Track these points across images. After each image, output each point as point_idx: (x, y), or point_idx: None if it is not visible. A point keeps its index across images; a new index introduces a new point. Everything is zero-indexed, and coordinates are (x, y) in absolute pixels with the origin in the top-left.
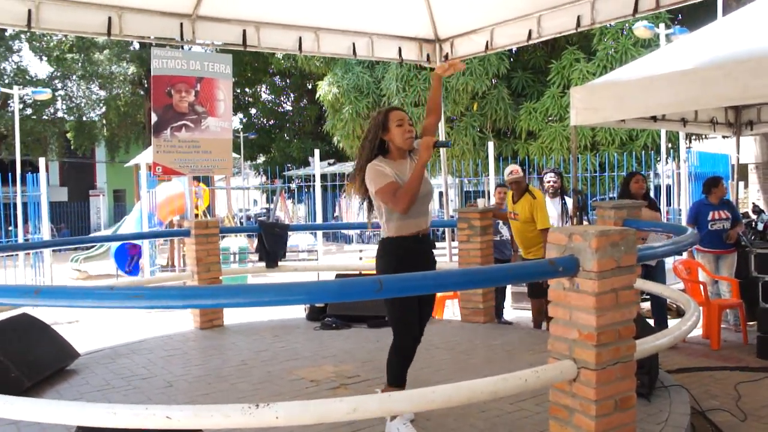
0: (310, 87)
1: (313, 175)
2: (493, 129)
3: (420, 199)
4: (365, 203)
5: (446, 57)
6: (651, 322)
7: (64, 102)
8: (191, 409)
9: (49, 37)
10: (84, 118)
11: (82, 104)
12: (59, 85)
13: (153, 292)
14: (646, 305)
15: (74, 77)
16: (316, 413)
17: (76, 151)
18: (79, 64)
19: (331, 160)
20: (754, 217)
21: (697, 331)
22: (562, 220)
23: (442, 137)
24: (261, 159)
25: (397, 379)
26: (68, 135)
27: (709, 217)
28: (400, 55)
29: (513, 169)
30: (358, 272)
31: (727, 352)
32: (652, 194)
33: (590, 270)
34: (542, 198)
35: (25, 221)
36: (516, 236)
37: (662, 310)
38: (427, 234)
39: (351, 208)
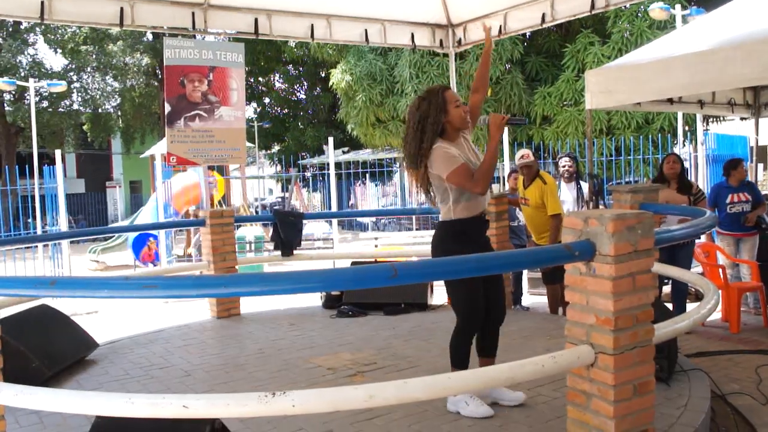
0: (323, 75)
1: (328, 164)
2: (508, 114)
3: None
4: (421, 189)
5: (459, 42)
6: (670, 306)
7: (79, 94)
8: (208, 398)
9: (63, 30)
10: (99, 110)
11: (98, 96)
12: (74, 78)
13: (167, 281)
14: (666, 289)
15: (89, 69)
16: (332, 401)
17: (93, 143)
18: (94, 56)
19: (346, 148)
20: None
21: (717, 315)
22: (577, 205)
23: None
24: (275, 148)
25: (461, 363)
26: (84, 127)
27: (728, 200)
28: (412, 41)
29: (524, 153)
30: (373, 260)
31: (747, 336)
32: None
33: (607, 254)
34: (553, 183)
35: (43, 213)
36: (527, 222)
37: (682, 294)
38: (486, 213)
39: (366, 196)
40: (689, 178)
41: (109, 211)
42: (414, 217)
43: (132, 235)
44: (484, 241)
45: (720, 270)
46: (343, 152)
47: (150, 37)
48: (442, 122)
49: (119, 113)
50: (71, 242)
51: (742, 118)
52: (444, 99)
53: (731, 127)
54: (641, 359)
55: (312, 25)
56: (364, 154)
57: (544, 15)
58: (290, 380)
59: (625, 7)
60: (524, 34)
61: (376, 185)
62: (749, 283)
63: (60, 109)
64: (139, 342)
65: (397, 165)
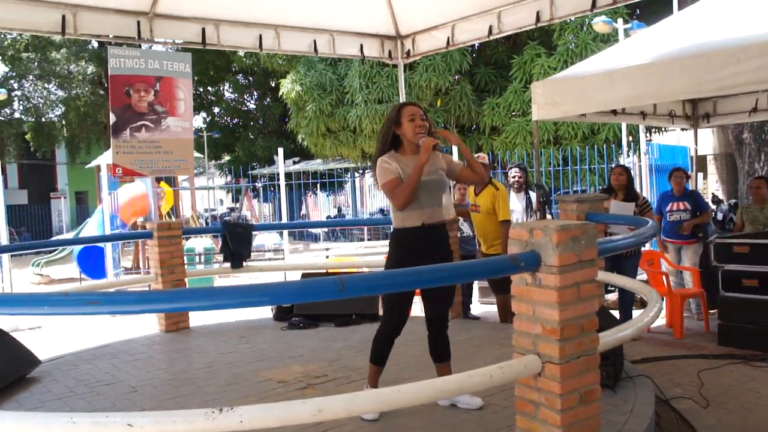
0: (273, 85)
1: (278, 174)
2: (457, 124)
3: (427, 191)
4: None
5: (408, 53)
6: (616, 313)
7: (21, 102)
8: (153, 416)
9: (3, 36)
10: (43, 119)
11: (40, 105)
12: (15, 85)
13: (110, 297)
14: (612, 296)
15: (31, 77)
16: (281, 416)
17: (36, 153)
18: (36, 63)
19: (296, 158)
20: (713, 207)
21: (661, 321)
22: (526, 215)
23: None
24: (225, 158)
25: (376, 359)
26: (27, 136)
27: (668, 208)
28: (361, 52)
29: (480, 155)
30: (325, 271)
31: (690, 341)
32: None
33: (552, 264)
34: (504, 190)
35: None
36: (477, 230)
37: (629, 302)
38: (437, 224)
39: (317, 207)
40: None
41: (53, 222)
42: (365, 227)
43: (77, 248)
44: (438, 251)
45: (663, 277)
46: (294, 162)
47: (95, 44)
48: (394, 133)
49: (63, 122)
50: (12, 256)
51: (682, 129)
52: (399, 113)
53: (672, 137)
54: (587, 368)
55: (260, 35)
56: (315, 165)
57: (491, 27)
58: (240, 394)
59: (569, 20)
60: (472, 46)
61: (327, 195)
62: (691, 289)
63: (0, 118)
64: (83, 358)
65: (348, 175)
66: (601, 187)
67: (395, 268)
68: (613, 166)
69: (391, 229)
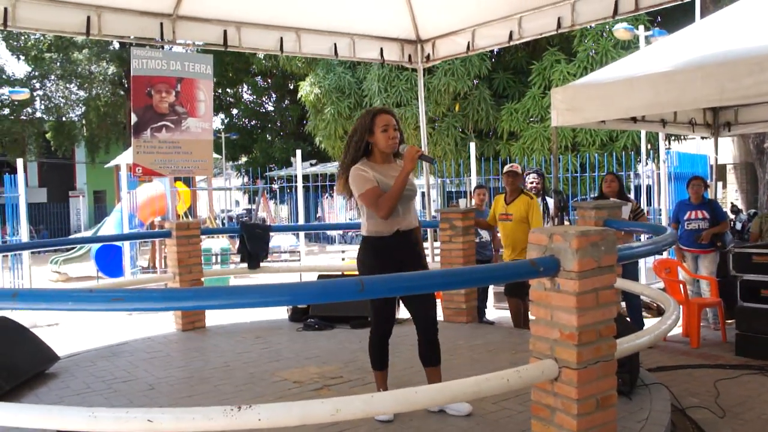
0: (291, 87)
1: (295, 176)
2: (475, 129)
3: (401, 200)
4: (352, 201)
5: (428, 57)
6: None
7: (42, 102)
8: (173, 412)
9: (26, 36)
10: (63, 119)
11: (61, 104)
12: (37, 85)
13: (133, 294)
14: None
15: (53, 77)
16: (299, 415)
17: (56, 152)
18: (58, 63)
19: (313, 161)
20: (732, 216)
21: (678, 330)
22: (544, 221)
23: (423, 141)
24: (243, 159)
25: (376, 365)
26: (47, 135)
27: (685, 216)
28: (381, 55)
29: (513, 165)
30: (340, 273)
31: (706, 350)
32: (633, 194)
33: (571, 270)
34: (537, 200)
35: (3, 223)
36: (507, 238)
37: (638, 309)
38: (409, 230)
39: (333, 209)
40: (651, 194)
41: (71, 221)
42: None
43: (95, 246)
44: (412, 257)
45: (681, 286)
46: (311, 165)
47: (116, 45)
48: (366, 141)
49: (84, 122)
50: (32, 253)
51: (702, 138)
52: (372, 121)
53: (692, 146)
54: (604, 373)
55: (281, 37)
56: (332, 167)
57: (511, 33)
58: (256, 394)
59: (590, 26)
60: (492, 51)
61: (343, 198)
62: (709, 298)
63: (22, 117)
64: (101, 355)
65: None
66: (593, 196)
67: (373, 274)
68: (604, 174)
69: (361, 235)
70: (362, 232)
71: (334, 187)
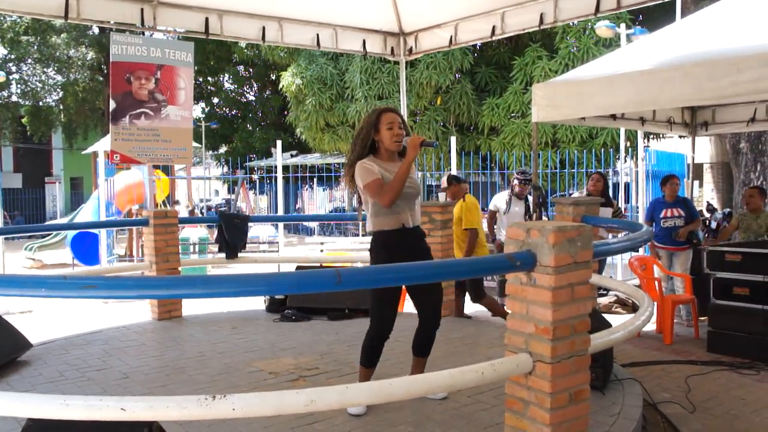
0: (273, 77)
1: (276, 166)
2: (456, 123)
3: (404, 197)
4: (355, 197)
5: (410, 50)
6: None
7: (18, 86)
8: (146, 401)
9: (2, 18)
10: (40, 103)
11: (38, 89)
12: (14, 69)
13: (107, 281)
14: (602, 300)
15: (30, 60)
16: (273, 405)
17: (32, 137)
18: (35, 47)
19: (294, 152)
20: (707, 215)
21: (651, 326)
22: (525, 219)
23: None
24: (223, 149)
25: (366, 361)
26: (23, 120)
27: (661, 214)
28: (364, 47)
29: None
30: (318, 264)
31: (679, 346)
32: (611, 191)
33: (547, 265)
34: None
35: None
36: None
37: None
38: (414, 227)
39: (313, 200)
40: (629, 192)
41: (47, 207)
42: (360, 223)
43: (71, 234)
44: (419, 251)
45: (656, 282)
46: (292, 155)
47: (96, 30)
48: (372, 139)
49: (61, 107)
50: (5, 239)
51: (680, 136)
52: (378, 119)
53: (670, 144)
54: (577, 368)
55: (263, 27)
56: (313, 158)
57: (494, 27)
58: (231, 384)
59: (572, 23)
60: (474, 45)
61: (323, 190)
62: (682, 295)
63: None
64: (75, 343)
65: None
66: (570, 192)
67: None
68: (592, 172)
69: (370, 231)
70: (370, 228)
71: (340, 182)
